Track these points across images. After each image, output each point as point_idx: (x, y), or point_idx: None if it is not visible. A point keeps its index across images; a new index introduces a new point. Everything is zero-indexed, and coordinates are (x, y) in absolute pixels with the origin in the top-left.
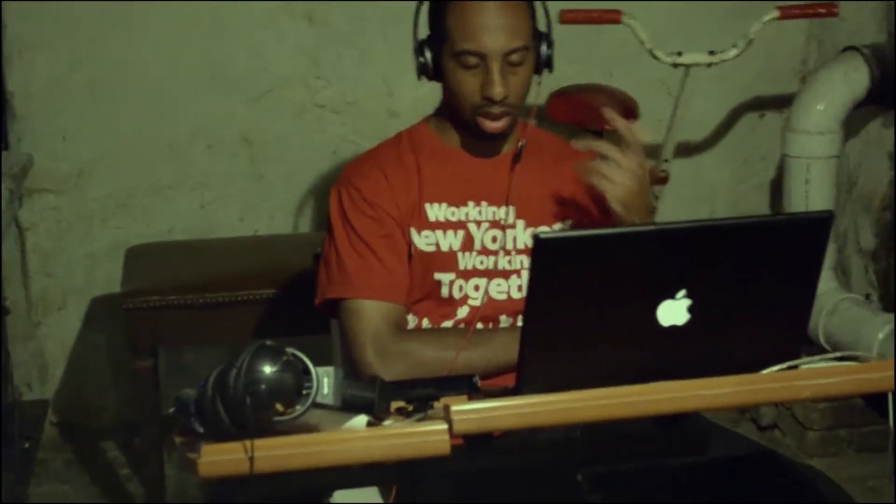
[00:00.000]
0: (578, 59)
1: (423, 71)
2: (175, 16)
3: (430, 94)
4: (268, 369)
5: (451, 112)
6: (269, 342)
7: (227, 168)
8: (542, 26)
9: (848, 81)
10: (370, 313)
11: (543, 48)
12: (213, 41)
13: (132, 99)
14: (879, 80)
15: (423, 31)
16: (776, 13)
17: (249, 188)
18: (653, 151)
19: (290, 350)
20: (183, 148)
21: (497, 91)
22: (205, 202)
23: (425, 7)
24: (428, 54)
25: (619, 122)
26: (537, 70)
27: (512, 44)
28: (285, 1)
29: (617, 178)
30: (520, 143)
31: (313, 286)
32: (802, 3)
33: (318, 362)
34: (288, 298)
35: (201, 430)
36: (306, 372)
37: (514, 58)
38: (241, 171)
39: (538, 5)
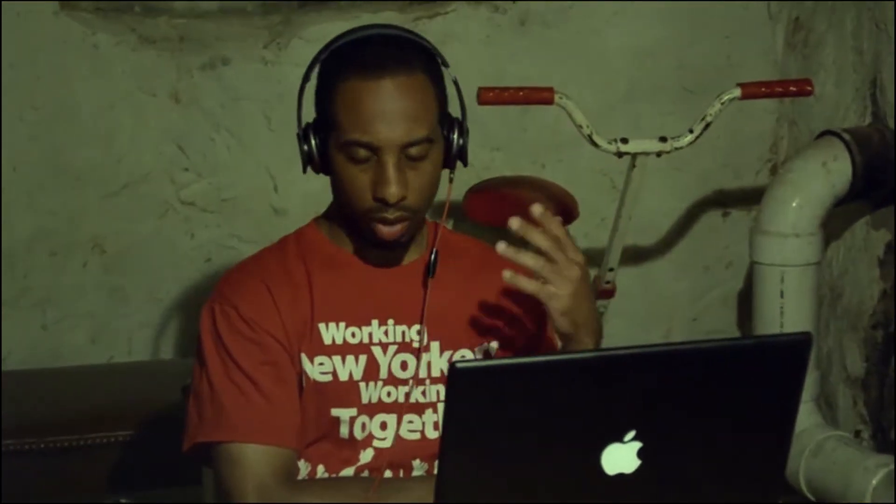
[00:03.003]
0: (503, 145)
1: (309, 162)
2: (7, 95)
3: (323, 188)
4: None
5: (342, 213)
6: (124, 501)
7: (75, 280)
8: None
9: (827, 173)
10: (252, 460)
11: (455, 137)
12: (56, 125)
13: None
14: (864, 172)
15: (310, 114)
16: (738, 92)
17: (103, 305)
18: (595, 258)
19: None
20: (19, 256)
21: (391, 191)
22: (48, 322)
23: (312, 86)
24: (313, 142)
25: (550, 220)
26: (449, 164)
27: (411, 135)
28: (144, 77)
29: (558, 282)
30: (433, 251)
31: (181, 427)
32: (770, 80)
33: None
34: (151, 441)
35: None
36: None
37: (414, 151)
38: (92, 283)
39: (449, 83)
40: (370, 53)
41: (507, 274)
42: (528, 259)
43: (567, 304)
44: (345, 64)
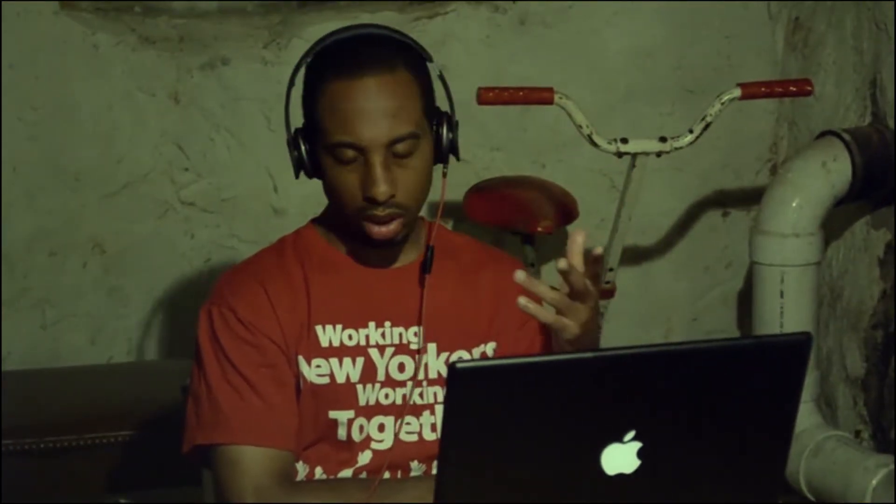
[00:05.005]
0: (503, 145)
1: (300, 166)
2: (7, 95)
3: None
4: None
5: (336, 215)
6: (123, 501)
7: (74, 280)
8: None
9: (827, 173)
10: (251, 462)
11: (444, 132)
12: (56, 125)
13: None
14: (864, 172)
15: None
16: (738, 92)
17: (102, 305)
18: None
19: None
20: (19, 256)
21: (380, 190)
22: (47, 322)
23: (299, 89)
24: (303, 147)
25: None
26: (440, 158)
27: (395, 132)
28: (144, 77)
29: (572, 316)
30: (429, 250)
31: (181, 427)
32: (770, 80)
33: None
34: (150, 442)
35: None
36: None
37: (400, 148)
38: (91, 283)
39: (434, 77)
40: (348, 54)
41: (521, 300)
42: (545, 292)
43: (576, 333)
44: (325, 67)
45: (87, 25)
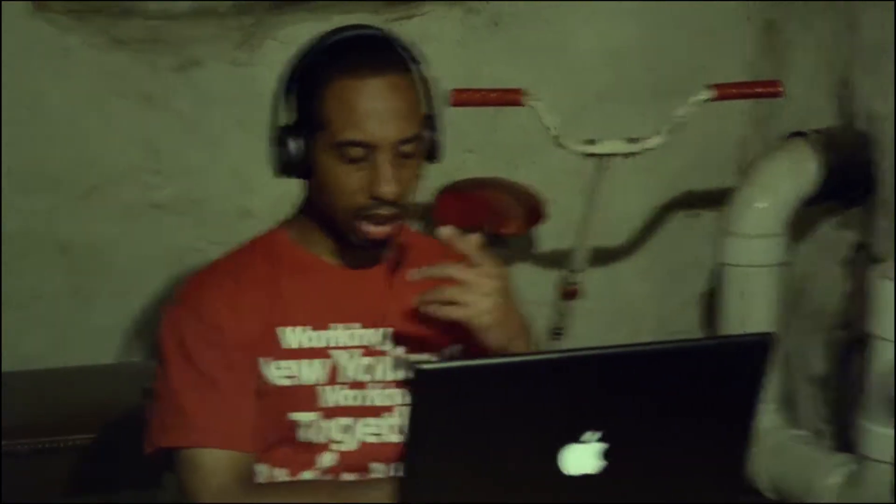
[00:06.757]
0: (475, 147)
1: (287, 166)
2: None
3: (295, 190)
4: None
5: (319, 214)
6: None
7: (36, 282)
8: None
9: (795, 174)
10: (214, 465)
11: (432, 134)
12: (23, 125)
13: None
14: (831, 173)
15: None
16: (708, 93)
17: (66, 307)
18: (563, 259)
19: None
20: None
21: (389, 189)
22: (8, 325)
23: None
24: (293, 145)
25: (447, 236)
26: (426, 160)
27: (405, 132)
28: (116, 79)
29: (476, 301)
30: (396, 252)
31: (143, 429)
32: (741, 81)
33: None
34: (112, 445)
35: None
36: None
37: (406, 148)
38: (55, 285)
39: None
40: (360, 53)
41: (418, 302)
42: (446, 271)
43: (489, 319)
44: (334, 64)
45: (59, 27)
